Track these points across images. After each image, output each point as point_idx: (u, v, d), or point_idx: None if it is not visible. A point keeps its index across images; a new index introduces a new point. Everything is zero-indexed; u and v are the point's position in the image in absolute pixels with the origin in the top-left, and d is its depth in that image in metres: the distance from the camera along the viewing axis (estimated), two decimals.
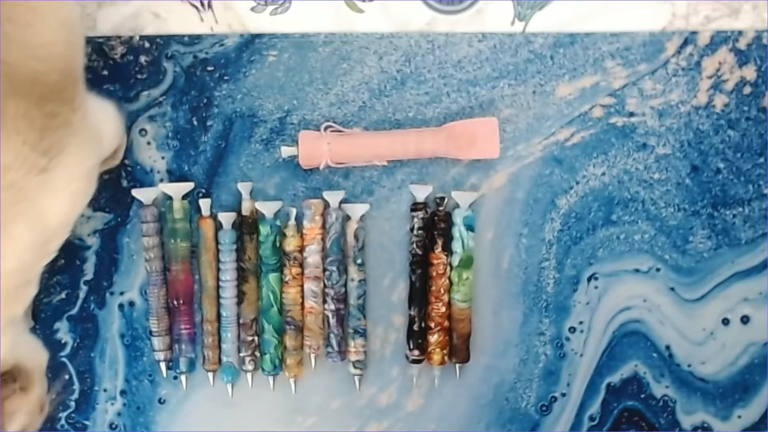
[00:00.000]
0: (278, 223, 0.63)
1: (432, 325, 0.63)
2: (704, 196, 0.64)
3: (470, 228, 0.62)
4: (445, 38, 0.63)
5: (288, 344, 0.63)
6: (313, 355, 0.64)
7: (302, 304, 0.63)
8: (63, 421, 0.64)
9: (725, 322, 0.64)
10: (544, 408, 0.64)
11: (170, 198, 0.63)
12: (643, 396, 0.64)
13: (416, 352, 0.63)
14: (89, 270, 0.64)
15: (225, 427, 0.64)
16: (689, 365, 0.64)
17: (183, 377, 0.64)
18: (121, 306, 0.64)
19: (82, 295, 0.64)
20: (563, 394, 0.64)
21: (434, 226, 0.63)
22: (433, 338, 0.63)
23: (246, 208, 0.63)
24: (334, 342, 0.63)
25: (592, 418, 0.64)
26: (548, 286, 0.64)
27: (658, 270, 0.64)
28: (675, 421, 0.64)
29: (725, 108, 0.63)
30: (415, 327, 0.63)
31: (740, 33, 0.63)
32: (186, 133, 0.64)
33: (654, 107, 0.63)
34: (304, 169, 0.63)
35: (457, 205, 0.63)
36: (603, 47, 0.63)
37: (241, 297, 0.63)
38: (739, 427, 0.64)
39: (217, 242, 0.63)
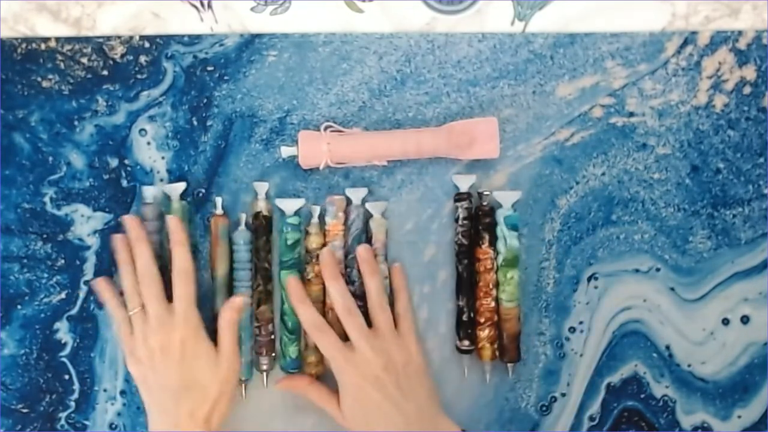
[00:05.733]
0: (293, 221, 0.62)
1: (481, 320, 0.62)
2: (704, 196, 0.64)
3: (514, 227, 0.62)
4: (445, 38, 0.63)
5: (309, 342, 0.62)
6: None
7: (324, 301, 0.63)
8: (63, 421, 0.64)
9: (725, 322, 0.64)
10: (544, 408, 0.64)
11: (170, 198, 0.63)
12: (643, 396, 0.64)
13: (466, 341, 0.62)
14: (89, 270, 0.64)
15: (225, 426, 0.64)
16: (689, 365, 0.64)
17: None
18: None
19: (82, 295, 0.64)
20: (563, 394, 0.64)
21: (479, 221, 0.62)
22: (483, 333, 0.62)
23: (261, 207, 0.62)
24: None
25: (592, 418, 0.64)
26: (548, 286, 0.64)
27: (658, 270, 0.64)
28: (675, 421, 0.64)
29: (725, 108, 0.63)
30: (465, 317, 0.62)
31: (740, 33, 0.63)
32: (186, 133, 0.64)
33: (654, 107, 0.63)
34: (304, 169, 0.63)
35: (499, 205, 0.62)
36: (603, 47, 0.63)
37: (257, 297, 0.62)
38: (739, 427, 0.64)
39: (230, 241, 0.63)
